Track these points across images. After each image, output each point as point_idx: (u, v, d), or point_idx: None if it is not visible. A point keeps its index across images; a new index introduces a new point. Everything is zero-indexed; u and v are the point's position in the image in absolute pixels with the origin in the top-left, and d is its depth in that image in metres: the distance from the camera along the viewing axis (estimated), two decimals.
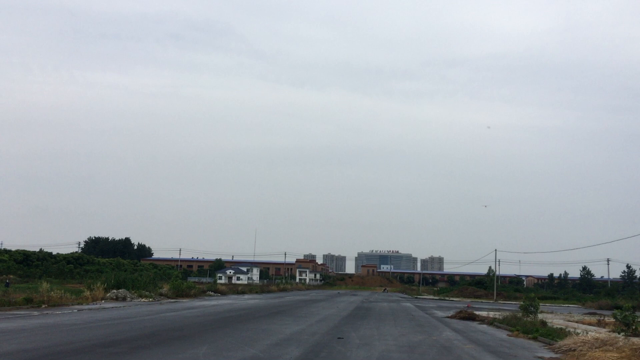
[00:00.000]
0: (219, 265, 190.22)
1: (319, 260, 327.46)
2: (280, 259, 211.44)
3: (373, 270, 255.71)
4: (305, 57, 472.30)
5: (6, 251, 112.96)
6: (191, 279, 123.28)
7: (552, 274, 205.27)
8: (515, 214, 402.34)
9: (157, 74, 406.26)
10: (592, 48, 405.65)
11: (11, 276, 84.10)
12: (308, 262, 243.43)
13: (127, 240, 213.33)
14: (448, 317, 41.93)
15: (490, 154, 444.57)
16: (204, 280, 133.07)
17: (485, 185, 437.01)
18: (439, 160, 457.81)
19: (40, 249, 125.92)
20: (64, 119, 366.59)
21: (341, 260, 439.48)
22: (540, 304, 38.74)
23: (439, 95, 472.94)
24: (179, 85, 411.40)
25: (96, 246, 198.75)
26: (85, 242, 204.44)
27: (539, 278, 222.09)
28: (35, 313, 29.89)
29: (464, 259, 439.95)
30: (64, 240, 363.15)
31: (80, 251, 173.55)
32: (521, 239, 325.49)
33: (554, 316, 45.76)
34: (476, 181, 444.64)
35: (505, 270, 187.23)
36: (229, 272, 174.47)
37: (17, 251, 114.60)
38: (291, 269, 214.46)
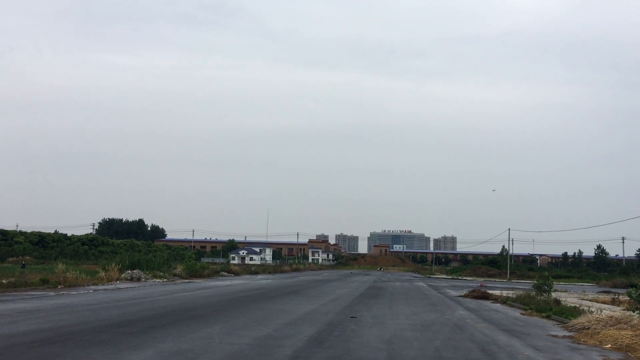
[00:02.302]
0: (231, 246, 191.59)
1: (332, 241, 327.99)
2: (292, 239, 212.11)
3: (385, 250, 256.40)
4: (318, 36, 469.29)
5: (22, 233, 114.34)
6: (204, 260, 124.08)
7: (566, 253, 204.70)
8: (530, 193, 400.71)
9: (168, 55, 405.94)
10: (608, 24, 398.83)
11: (27, 257, 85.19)
12: (320, 242, 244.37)
13: (141, 221, 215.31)
14: (461, 296, 41.96)
15: (504, 132, 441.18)
16: (217, 260, 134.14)
17: (499, 164, 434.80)
18: (452, 139, 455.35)
19: (55, 231, 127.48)
20: (76, 101, 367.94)
21: (353, 240, 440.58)
22: (554, 282, 38.56)
23: (452, 74, 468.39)
24: (190, 66, 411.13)
25: (110, 227, 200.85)
26: (100, 223, 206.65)
27: (552, 257, 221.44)
28: (52, 293, 30.26)
29: (477, 238, 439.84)
30: (79, 222, 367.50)
31: (94, 232, 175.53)
32: (535, 218, 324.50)
33: (568, 295, 45.64)
34: (490, 160, 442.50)
35: (518, 249, 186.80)
36: (242, 252, 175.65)
37: (33, 233, 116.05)
38: (304, 249, 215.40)
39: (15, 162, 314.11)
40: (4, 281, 31.61)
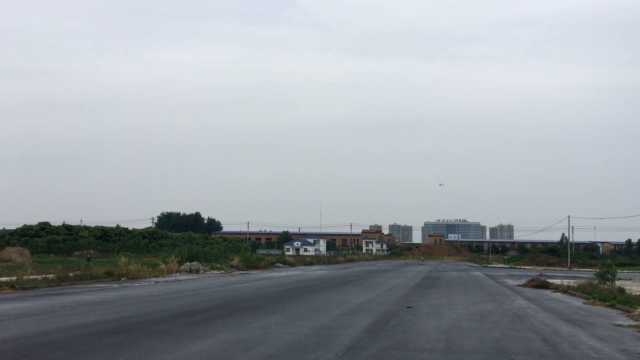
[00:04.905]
0: (286, 238, 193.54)
1: (385, 231, 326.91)
2: (346, 230, 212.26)
3: (440, 240, 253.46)
4: (369, 25, 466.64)
5: (86, 228, 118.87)
6: (260, 251, 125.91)
7: (629, 240, 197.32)
8: (590, 179, 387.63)
9: (220, 50, 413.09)
10: None
11: (91, 251, 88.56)
12: (374, 232, 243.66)
13: (198, 214, 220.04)
14: (519, 285, 41.13)
15: (562, 117, 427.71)
16: (272, 252, 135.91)
17: (557, 150, 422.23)
18: (507, 125, 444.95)
19: (117, 225, 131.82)
20: (135, 97, 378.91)
21: (407, 230, 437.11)
22: (618, 270, 37.32)
23: (507, 58, 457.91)
24: (242, 60, 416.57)
25: (169, 221, 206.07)
26: (159, 217, 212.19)
27: (615, 244, 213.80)
28: (116, 285, 31.37)
29: (534, 226, 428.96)
30: (139, 216, 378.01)
31: (154, 226, 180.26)
32: (596, 204, 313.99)
33: (633, 283, 44.08)
34: (547, 146, 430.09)
35: (579, 237, 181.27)
36: (296, 244, 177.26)
37: (96, 227, 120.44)
38: (357, 240, 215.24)
39: (78, 160, 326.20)
40: (71, 274, 32.92)
